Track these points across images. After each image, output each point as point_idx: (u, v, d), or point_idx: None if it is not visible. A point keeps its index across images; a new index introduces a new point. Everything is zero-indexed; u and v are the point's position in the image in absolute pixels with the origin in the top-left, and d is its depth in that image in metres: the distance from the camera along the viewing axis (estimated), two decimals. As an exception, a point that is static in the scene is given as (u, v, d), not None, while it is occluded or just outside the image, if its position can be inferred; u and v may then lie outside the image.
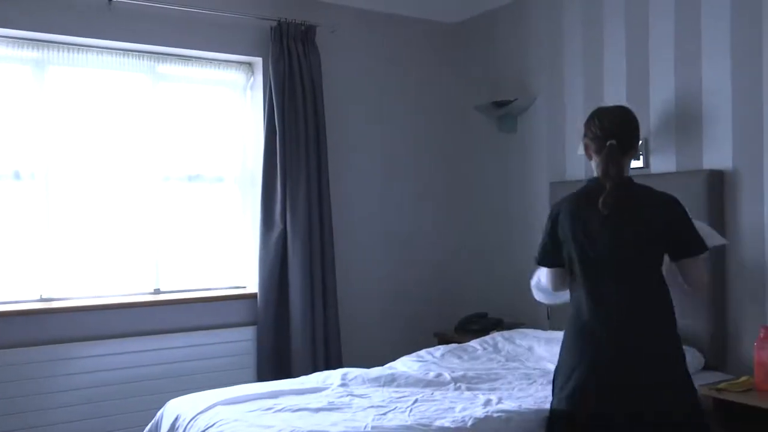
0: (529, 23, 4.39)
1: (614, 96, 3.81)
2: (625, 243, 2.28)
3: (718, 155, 3.31)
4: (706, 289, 2.51)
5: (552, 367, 3.18)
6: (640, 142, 3.60)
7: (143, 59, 4.04)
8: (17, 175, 3.74)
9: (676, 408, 2.24)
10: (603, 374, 2.27)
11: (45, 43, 3.76)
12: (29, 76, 3.76)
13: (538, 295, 2.88)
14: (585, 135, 2.42)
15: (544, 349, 3.46)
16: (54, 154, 3.82)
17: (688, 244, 2.32)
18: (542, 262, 2.55)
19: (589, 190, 2.36)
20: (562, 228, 2.42)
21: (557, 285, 2.55)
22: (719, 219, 3.25)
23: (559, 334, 2.57)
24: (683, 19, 3.46)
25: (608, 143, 2.27)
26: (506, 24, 4.58)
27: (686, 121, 3.45)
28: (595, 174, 2.40)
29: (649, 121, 3.62)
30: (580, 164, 4.02)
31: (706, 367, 3.16)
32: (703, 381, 2.85)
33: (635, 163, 3.67)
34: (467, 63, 4.91)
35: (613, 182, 2.27)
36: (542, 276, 2.65)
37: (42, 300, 3.75)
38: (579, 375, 2.30)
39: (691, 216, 2.38)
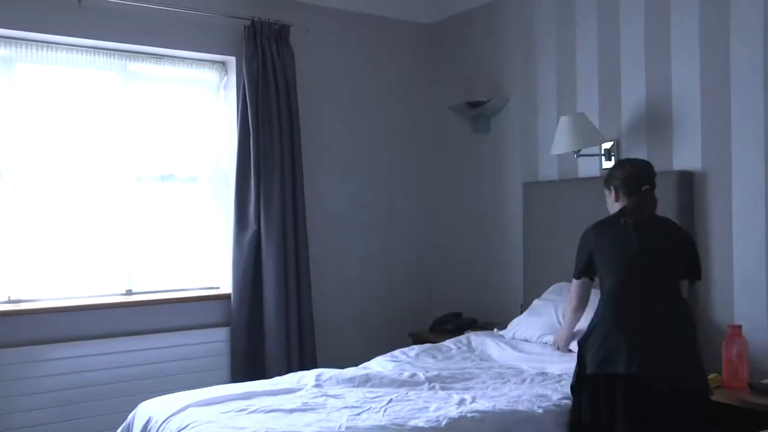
0: (503, 25, 4.42)
1: (587, 97, 3.85)
2: (654, 252, 2.70)
3: (687, 156, 3.36)
4: None
5: (526, 366, 3.22)
6: (612, 143, 3.69)
7: (114, 57, 3.99)
8: (-16, 175, 3.67)
9: (695, 381, 2.55)
10: (634, 338, 2.57)
11: (13, 40, 3.70)
12: (-3, 73, 3.70)
13: (571, 312, 3.18)
14: (611, 183, 2.88)
15: (512, 351, 3.48)
16: (23, 153, 3.76)
17: (698, 271, 2.82)
18: (584, 273, 2.96)
19: (618, 220, 2.79)
20: (597, 241, 2.83)
21: (587, 296, 3.04)
22: (689, 219, 3.30)
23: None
24: (653, 20, 3.51)
25: (643, 188, 2.79)
26: (480, 25, 4.60)
27: (657, 122, 3.50)
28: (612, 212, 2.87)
29: (621, 122, 3.66)
30: (553, 165, 4.06)
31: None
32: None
33: (606, 164, 3.72)
34: (442, 64, 4.93)
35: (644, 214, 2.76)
36: (574, 290, 3.06)
37: (10, 302, 3.69)
38: (612, 339, 2.60)
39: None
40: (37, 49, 3.76)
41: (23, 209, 3.75)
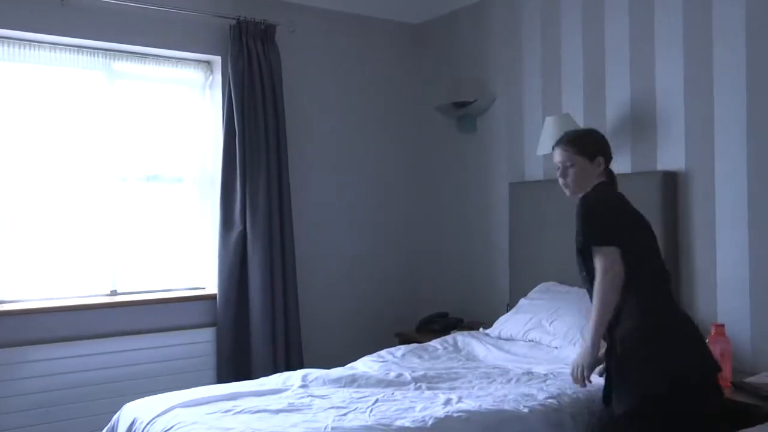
0: (489, 25, 4.43)
1: (572, 97, 3.87)
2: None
3: (671, 156, 3.38)
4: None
5: (512, 366, 3.22)
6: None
7: (98, 56, 3.96)
8: (-33, 175, 3.64)
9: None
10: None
11: (-5, 39, 3.67)
12: (-21, 72, 3.66)
13: (613, 293, 2.38)
14: (601, 153, 2.62)
15: (498, 351, 3.49)
16: (6, 153, 3.72)
17: None
18: (615, 241, 2.37)
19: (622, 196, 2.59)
20: (626, 215, 2.50)
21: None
22: (672, 220, 3.33)
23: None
24: (637, 20, 3.53)
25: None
26: (467, 25, 4.61)
27: (641, 123, 3.52)
28: (597, 180, 2.60)
29: (605, 123, 3.68)
30: (539, 165, 4.07)
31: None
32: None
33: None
34: (428, 64, 4.93)
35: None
36: (614, 263, 2.36)
37: (-7, 303, 3.66)
38: (698, 339, 2.40)
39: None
40: (20, 48, 3.73)
41: (6, 209, 3.71)
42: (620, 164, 3.61)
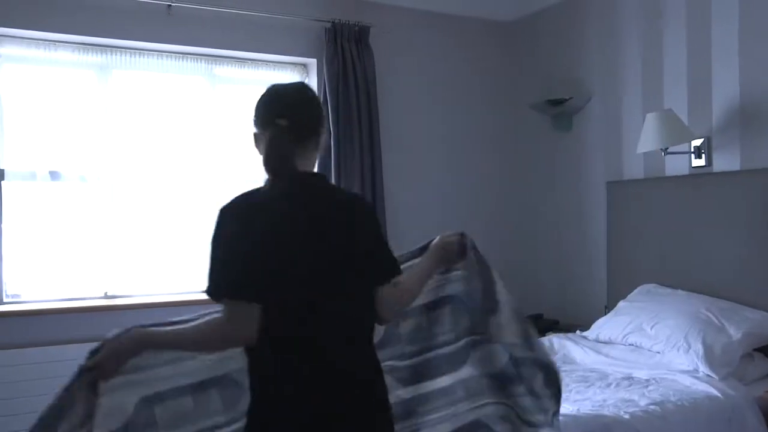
0: (585, 20, 4.32)
1: (675, 93, 3.72)
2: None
3: (785, 153, 3.20)
4: None
5: (610, 370, 3.13)
6: (702, 140, 3.54)
7: (201, 62, 4.12)
8: (78, 178, 3.86)
9: None
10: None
11: (109, 48, 3.87)
12: (94, 80, 3.88)
13: None
14: (254, 123, 1.73)
15: (596, 354, 3.39)
16: (117, 157, 3.91)
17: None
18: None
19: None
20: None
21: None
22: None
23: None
24: (747, 12, 3.35)
25: (277, 121, 1.64)
26: (561, 22, 4.51)
27: (752, 117, 3.34)
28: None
29: (711, 118, 3.52)
30: (639, 163, 3.94)
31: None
32: None
33: (696, 161, 3.58)
34: (521, 61, 4.86)
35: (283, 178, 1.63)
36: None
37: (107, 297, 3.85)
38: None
39: None
40: (130, 56, 3.93)
41: (117, 212, 3.90)
42: (728, 161, 3.45)
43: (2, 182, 3.64)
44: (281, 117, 1.65)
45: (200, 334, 1.60)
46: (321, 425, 1.57)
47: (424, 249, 2.06)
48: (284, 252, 1.56)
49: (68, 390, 1.62)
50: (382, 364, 1.73)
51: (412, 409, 2.02)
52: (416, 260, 2.03)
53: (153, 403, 1.75)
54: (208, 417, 1.82)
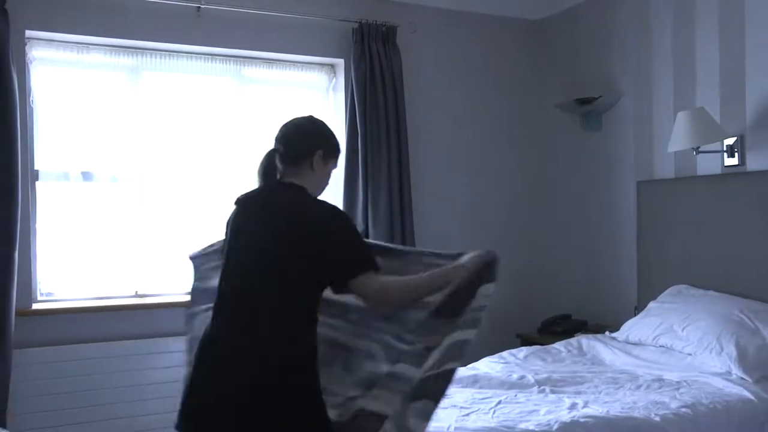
0: (614, 18, 4.27)
1: (707, 91, 3.66)
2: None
3: (821, 152, 3.13)
4: None
5: (641, 372, 3.09)
6: (735, 139, 3.48)
7: (229, 63, 4.16)
8: (113, 178, 3.92)
9: None
10: None
11: (139, 50, 3.93)
12: (125, 82, 3.93)
13: None
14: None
15: (626, 356, 3.35)
16: (146, 158, 3.96)
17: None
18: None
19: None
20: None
21: None
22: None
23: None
24: (783, 8, 3.29)
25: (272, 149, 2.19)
26: (589, 20, 4.47)
27: (786, 116, 3.28)
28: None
29: (745, 117, 3.45)
30: (669, 162, 3.88)
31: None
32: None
33: (729, 161, 3.53)
34: (549, 60, 4.82)
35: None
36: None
37: (137, 295, 3.91)
38: None
39: None
40: (160, 58, 3.98)
41: (147, 212, 3.95)
42: (762, 160, 3.39)
43: (36, 183, 3.72)
44: (278, 143, 2.19)
45: None
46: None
47: (451, 257, 2.11)
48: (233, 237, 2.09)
49: None
50: (384, 336, 2.06)
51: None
52: (440, 261, 2.10)
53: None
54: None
